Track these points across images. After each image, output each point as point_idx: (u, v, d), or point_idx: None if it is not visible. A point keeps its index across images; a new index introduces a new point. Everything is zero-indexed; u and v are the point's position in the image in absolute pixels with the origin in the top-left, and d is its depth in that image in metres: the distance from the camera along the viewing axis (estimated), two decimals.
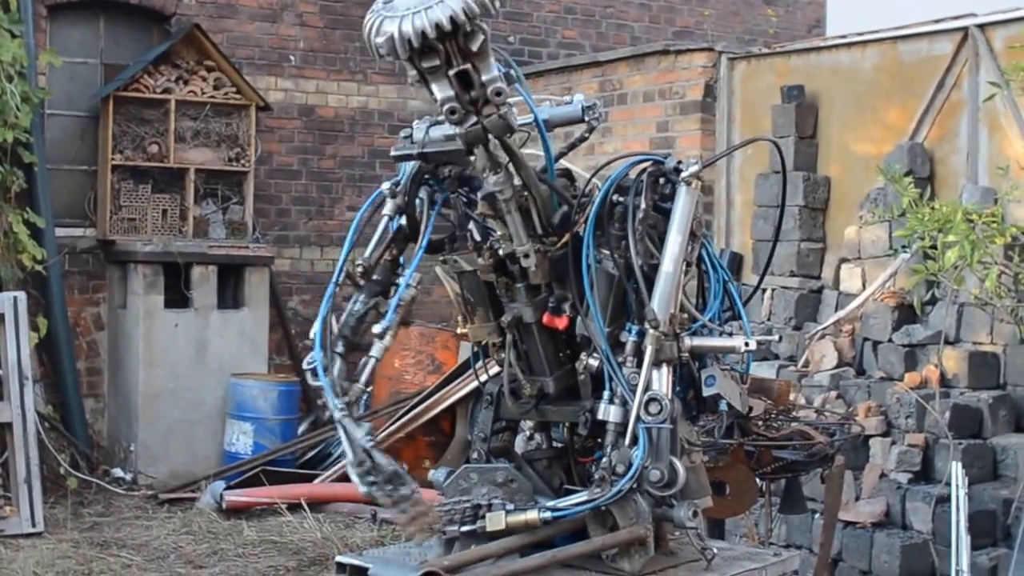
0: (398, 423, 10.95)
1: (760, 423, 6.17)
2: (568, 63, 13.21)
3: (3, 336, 9.94)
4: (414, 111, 13.17)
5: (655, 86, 11.96)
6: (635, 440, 4.30)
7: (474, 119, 4.08)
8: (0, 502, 9.66)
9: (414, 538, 4.36)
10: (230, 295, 11.96)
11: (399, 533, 9.51)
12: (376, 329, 4.55)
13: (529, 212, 4.42)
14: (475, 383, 10.22)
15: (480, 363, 4.86)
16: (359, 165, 13.33)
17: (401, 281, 4.59)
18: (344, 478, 10.85)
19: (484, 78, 4.00)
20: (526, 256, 4.41)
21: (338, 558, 4.54)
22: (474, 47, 3.93)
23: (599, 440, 4.53)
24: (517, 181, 4.33)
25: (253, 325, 11.98)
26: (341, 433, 4.34)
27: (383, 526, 9.84)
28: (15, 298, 10.09)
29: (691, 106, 11.62)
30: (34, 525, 9.66)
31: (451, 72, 3.98)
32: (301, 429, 12.01)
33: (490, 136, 4.14)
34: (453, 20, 3.83)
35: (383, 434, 10.96)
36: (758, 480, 6.37)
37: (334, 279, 4.64)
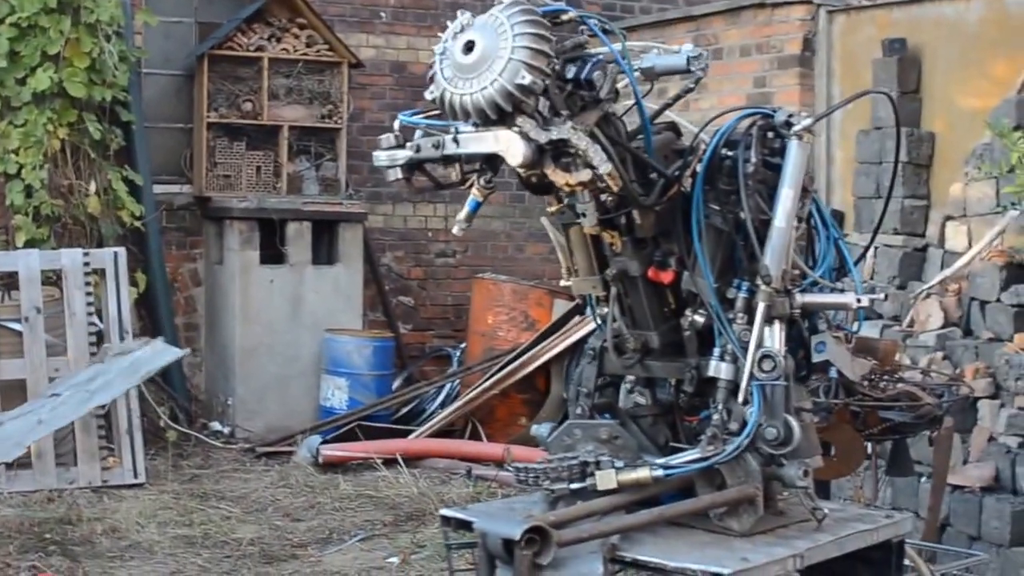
0: (492, 380, 10.95)
1: (866, 383, 6.09)
2: (662, 17, 13.08)
3: (104, 291, 10.12)
4: None
5: (752, 40, 11.81)
6: (746, 398, 4.26)
7: None
8: (103, 453, 9.79)
9: None
10: (324, 251, 12.00)
11: (494, 489, 9.54)
12: None
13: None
14: (570, 340, 10.40)
15: (593, 309, 4.78)
16: None
17: None
18: (438, 434, 10.89)
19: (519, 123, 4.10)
20: (582, 215, 4.33)
21: (442, 511, 4.51)
22: None
23: (705, 397, 4.48)
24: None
25: (347, 281, 12.00)
26: None
27: (478, 482, 9.87)
28: (115, 253, 10.27)
29: (789, 60, 11.46)
30: (136, 476, 9.82)
31: None
32: (395, 385, 12.06)
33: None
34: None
35: (477, 390, 10.98)
36: (864, 442, 6.29)
37: None
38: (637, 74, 4.31)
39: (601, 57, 4.14)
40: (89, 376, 2.32)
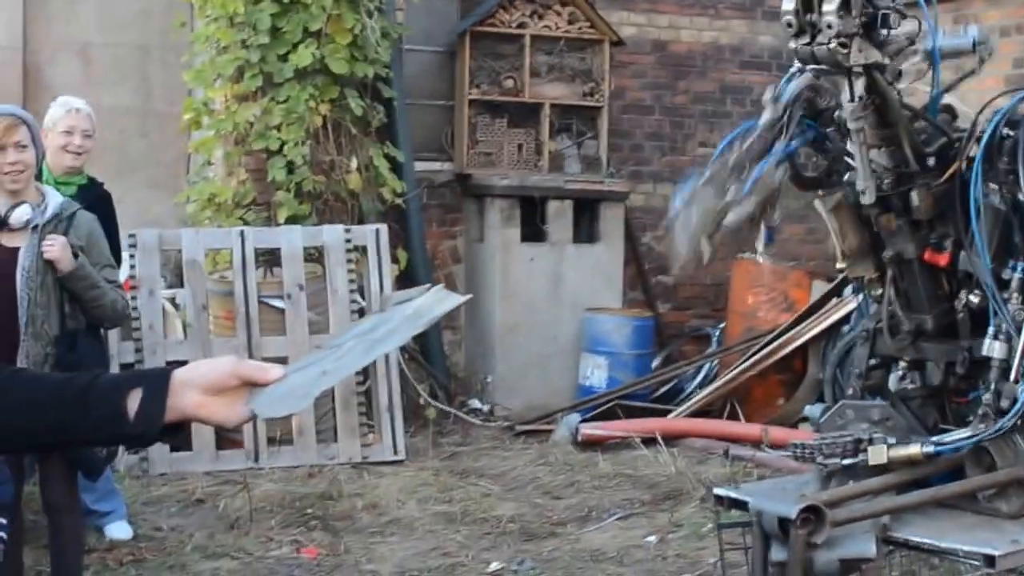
0: (751, 360, 10.89)
1: None
2: None
3: (365, 267, 10.20)
4: (764, 47, 13.04)
5: (1012, 21, 11.52)
6: (1018, 377, 4.22)
7: (805, 40, 4.11)
8: (364, 430, 9.91)
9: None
10: (585, 230, 12.02)
11: (750, 469, 9.47)
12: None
13: (900, 148, 4.33)
14: (828, 322, 10.30)
15: (865, 291, 4.77)
16: (711, 101, 13.19)
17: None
18: (696, 414, 10.87)
19: (824, 7, 4.04)
20: (863, 193, 4.33)
21: (716, 490, 4.55)
22: None
23: (974, 379, 4.45)
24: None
25: (607, 260, 12.03)
26: None
27: (735, 462, 9.78)
28: (377, 230, 10.32)
29: None
30: (396, 453, 9.91)
31: None
32: (654, 364, 12.02)
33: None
34: None
35: (736, 371, 10.93)
36: None
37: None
38: (920, 56, 4.31)
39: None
40: (372, 325, 2.41)
